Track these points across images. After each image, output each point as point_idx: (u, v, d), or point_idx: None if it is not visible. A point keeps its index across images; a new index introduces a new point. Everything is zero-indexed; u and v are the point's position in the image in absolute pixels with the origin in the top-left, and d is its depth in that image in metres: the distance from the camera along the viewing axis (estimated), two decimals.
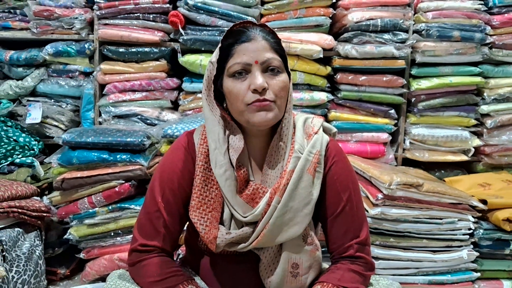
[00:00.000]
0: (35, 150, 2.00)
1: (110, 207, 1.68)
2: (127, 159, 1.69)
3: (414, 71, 2.08)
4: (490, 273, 1.80)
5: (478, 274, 1.76)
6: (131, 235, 1.57)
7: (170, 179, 1.00)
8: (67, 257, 1.83)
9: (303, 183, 0.96)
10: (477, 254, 1.74)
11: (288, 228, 0.96)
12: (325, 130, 1.07)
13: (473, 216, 1.74)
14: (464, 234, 1.73)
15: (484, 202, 1.77)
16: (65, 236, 1.70)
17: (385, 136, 2.11)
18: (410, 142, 2.12)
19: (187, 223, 1.05)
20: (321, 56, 2.05)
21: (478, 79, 2.07)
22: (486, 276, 1.79)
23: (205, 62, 2.01)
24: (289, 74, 0.98)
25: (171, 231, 1.00)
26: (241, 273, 1.02)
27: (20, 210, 1.55)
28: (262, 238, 0.95)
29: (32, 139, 2.03)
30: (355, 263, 0.99)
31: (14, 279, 1.50)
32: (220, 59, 0.95)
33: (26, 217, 1.58)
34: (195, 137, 1.04)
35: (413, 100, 2.11)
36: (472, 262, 1.76)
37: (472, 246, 1.75)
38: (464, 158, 2.12)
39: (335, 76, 2.09)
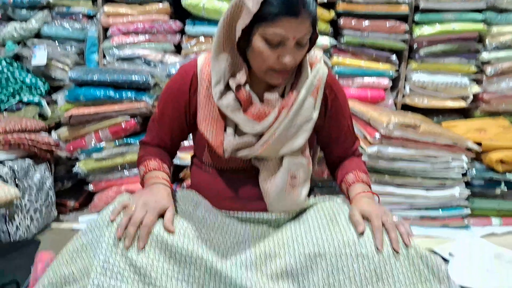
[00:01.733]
0: (42, 90, 2.04)
1: (116, 142, 1.75)
2: (132, 97, 1.74)
3: (417, 17, 2.08)
4: (480, 211, 1.88)
5: (469, 211, 1.83)
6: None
7: (173, 94, 1.12)
8: (76, 191, 1.93)
9: (307, 104, 1.06)
10: (469, 192, 1.81)
11: (291, 141, 1.05)
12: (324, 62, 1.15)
13: (467, 157, 1.79)
14: (457, 173, 1.80)
15: (479, 144, 1.83)
16: (74, 170, 1.78)
17: (385, 82, 2.14)
18: (410, 89, 2.15)
19: (192, 137, 1.20)
20: (325, 0, 2.05)
21: (481, 26, 2.07)
22: (476, 214, 1.88)
23: (208, 5, 2.01)
24: (316, 35, 1.04)
25: (170, 138, 1.17)
26: (242, 185, 1.11)
27: (30, 143, 1.61)
28: (268, 146, 1.03)
29: (39, 80, 2.07)
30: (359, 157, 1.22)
31: (27, 207, 1.59)
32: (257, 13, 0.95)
33: (36, 150, 1.64)
34: (199, 61, 1.11)
35: (415, 47, 2.12)
36: (464, 200, 1.83)
37: (464, 186, 1.82)
38: (462, 104, 2.15)
39: (338, 21, 2.10)
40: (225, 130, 1.08)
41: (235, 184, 1.13)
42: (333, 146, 1.21)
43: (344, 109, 1.17)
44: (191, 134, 1.22)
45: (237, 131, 1.07)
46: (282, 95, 1.07)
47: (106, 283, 0.93)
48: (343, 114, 1.17)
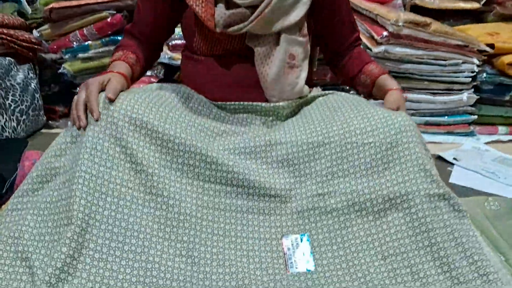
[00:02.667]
0: None
1: (103, 40, 1.63)
2: None
3: None
4: (487, 118, 1.82)
5: (475, 117, 1.77)
6: None
7: None
8: (65, 96, 1.83)
9: None
10: (477, 97, 1.74)
11: (287, 14, 0.97)
12: None
13: (478, 60, 1.69)
14: (466, 77, 1.71)
15: (491, 46, 1.72)
16: (60, 71, 1.67)
17: None
18: None
19: (181, 26, 1.10)
20: None
21: None
22: (483, 121, 1.82)
23: None
24: None
25: (153, 22, 1.09)
26: (237, 72, 1.03)
27: (9, 38, 1.49)
28: (262, 18, 0.94)
29: None
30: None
31: (12, 107, 1.50)
32: None
33: (16, 47, 1.53)
34: None
35: None
36: (471, 106, 1.76)
37: (473, 90, 1.74)
38: (475, 5, 2.00)
39: None
40: (215, 4, 0.98)
41: (230, 70, 1.04)
42: (332, 34, 1.14)
43: None
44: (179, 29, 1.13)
45: (229, 3, 0.97)
46: None
47: (95, 169, 0.88)
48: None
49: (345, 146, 0.95)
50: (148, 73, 1.62)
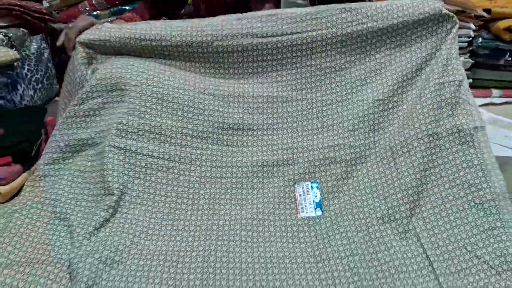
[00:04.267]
0: None
1: (111, 10, 1.69)
2: None
3: None
4: (482, 82, 1.91)
5: (470, 80, 1.86)
6: None
7: None
8: None
9: None
10: (472, 62, 1.82)
11: None
12: None
13: (474, 25, 1.77)
14: (462, 42, 1.79)
15: (488, 11, 1.79)
16: None
17: None
18: None
19: None
20: None
21: None
22: (477, 85, 1.91)
23: None
24: None
25: None
26: None
27: (22, 9, 1.55)
28: None
29: None
30: None
31: (28, 76, 1.59)
32: None
33: (29, 17, 1.59)
34: None
35: None
36: (466, 70, 1.85)
37: (469, 55, 1.83)
38: None
39: None
40: None
41: None
42: None
43: None
44: None
45: None
46: None
47: (122, 143, 1.00)
48: None
49: (356, 103, 1.05)
50: None
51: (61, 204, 0.96)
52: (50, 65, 1.72)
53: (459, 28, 1.72)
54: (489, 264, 0.81)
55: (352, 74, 1.07)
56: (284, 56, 1.08)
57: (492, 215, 0.87)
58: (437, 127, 0.98)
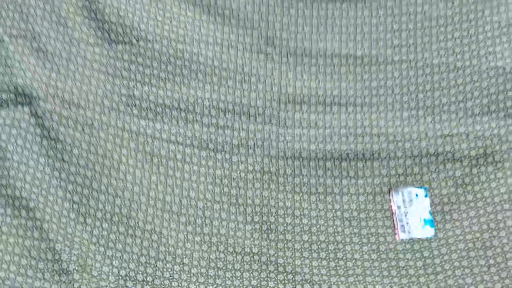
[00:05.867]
0: None
1: None
2: None
3: None
4: None
5: None
6: None
7: None
8: None
9: None
10: None
11: None
12: None
13: None
14: None
15: None
16: None
17: None
18: None
19: None
20: None
21: None
22: None
23: None
24: None
25: None
26: None
27: None
28: None
29: None
30: None
31: None
32: None
33: None
34: None
35: None
36: None
37: None
38: None
39: None
40: None
41: None
42: None
43: None
44: None
45: None
46: None
47: (134, 125, 0.85)
48: None
49: (486, 73, 0.84)
50: None
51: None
52: None
53: None
54: None
55: (480, 29, 0.86)
56: None
57: None
58: None
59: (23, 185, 0.76)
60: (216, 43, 0.87)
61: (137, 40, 0.87)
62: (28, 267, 0.74)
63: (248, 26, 0.88)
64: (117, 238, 0.76)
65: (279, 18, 0.90)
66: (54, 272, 0.75)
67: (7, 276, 0.74)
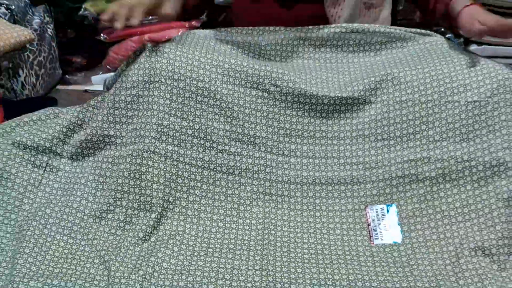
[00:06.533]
0: None
1: None
2: None
3: None
4: None
5: None
6: None
7: None
8: (84, 44, 1.75)
9: None
10: None
11: None
12: None
13: None
14: None
15: None
16: (80, 13, 1.54)
17: None
18: None
19: None
20: None
21: None
22: None
23: None
24: None
25: None
26: (301, 11, 1.04)
27: None
28: None
29: None
30: None
31: (30, 59, 1.40)
32: None
33: None
34: None
35: None
36: None
37: None
38: None
39: None
40: None
41: (292, 10, 1.05)
42: None
43: None
44: None
45: None
46: None
47: (163, 149, 0.93)
48: None
49: (444, 106, 0.92)
50: None
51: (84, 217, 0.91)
52: (53, 44, 1.54)
53: None
54: None
55: (436, 69, 0.94)
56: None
57: None
58: None
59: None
60: (229, 82, 0.95)
61: (165, 79, 0.95)
62: None
63: (255, 74, 0.97)
64: None
65: (281, 66, 1.00)
66: None
67: None
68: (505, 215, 0.86)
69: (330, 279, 0.83)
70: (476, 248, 0.85)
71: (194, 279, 0.82)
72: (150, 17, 1.53)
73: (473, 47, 1.55)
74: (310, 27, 1.01)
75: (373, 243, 0.90)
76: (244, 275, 0.83)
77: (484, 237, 0.86)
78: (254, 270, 0.84)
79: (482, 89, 0.91)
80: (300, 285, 0.82)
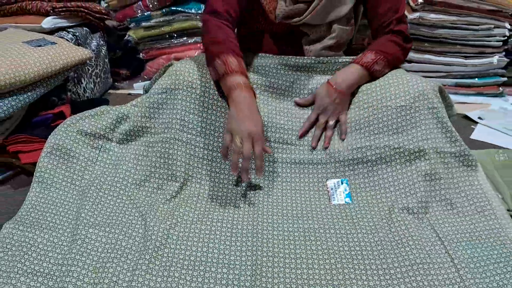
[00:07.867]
0: None
1: (163, 11, 1.90)
2: None
3: None
4: None
5: (505, 79, 1.97)
6: (184, 38, 1.91)
7: None
8: (128, 60, 2.16)
9: None
10: (507, 60, 1.92)
11: (337, 7, 1.17)
12: None
13: (510, 24, 1.87)
14: (498, 41, 1.89)
15: None
16: (125, 38, 1.97)
17: None
18: None
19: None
20: None
21: None
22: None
23: None
24: None
25: (238, 4, 1.19)
26: (284, 45, 1.27)
27: (86, 11, 1.79)
28: (315, 12, 1.15)
29: None
30: (394, 36, 1.22)
31: (89, 71, 1.83)
32: None
33: (91, 18, 1.82)
34: None
35: None
36: (502, 68, 1.95)
37: (504, 53, 1.93)
38: None
39: None
40: None
41: (280, 43, 1.26)
42: (372, 11, 1.24)
43: None
44: None
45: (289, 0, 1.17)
46: None
47: (184, 137, 1.15)
48: None
49: (381, 109, 1.15)
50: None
51: (128, 185, 1.08)
52: (106, 60, 1.97)
53: (495, 27, 1.85)
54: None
55: (382, 82, 1.17)
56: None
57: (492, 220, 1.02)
58: (453, 147, 1.10)
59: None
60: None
61: (186, 87, 1.14)
62: None
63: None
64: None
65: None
66: None
67: None
68: (423, 186, 1.06)
69: (301, 228, 1.02)
70: (403, 208, 1.05)
71: (206, 227, 1.02)
72: (176, 41, 1.90)
73: (403, 65, 1.77)
74: (291, 56, 1.23)
75: (332, 203, 1.10)
76: (240, 217, 1.05)
77: (409, 201, 1.06)
78: (248, 214, 1.06)
79: (408, 97, 1.12)
80: (279, 227, 1.01)
